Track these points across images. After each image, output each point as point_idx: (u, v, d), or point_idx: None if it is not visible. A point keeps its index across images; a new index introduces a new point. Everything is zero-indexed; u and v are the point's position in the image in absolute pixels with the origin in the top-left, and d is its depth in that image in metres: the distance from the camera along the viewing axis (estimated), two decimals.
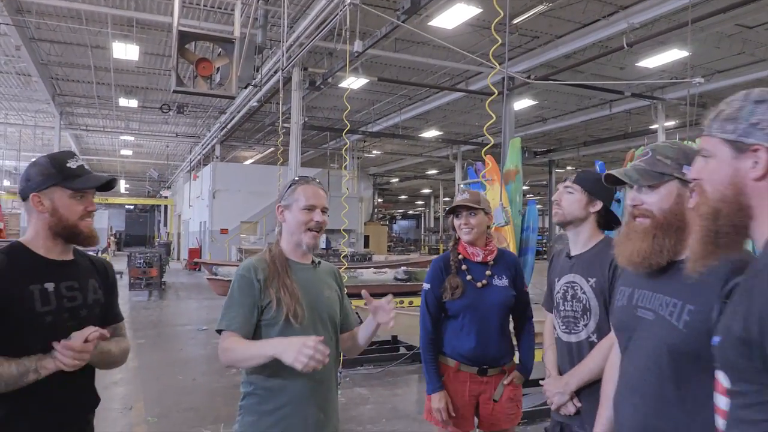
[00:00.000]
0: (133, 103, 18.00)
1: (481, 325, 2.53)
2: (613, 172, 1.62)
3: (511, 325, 2.78)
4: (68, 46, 13.39)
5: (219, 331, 1.94)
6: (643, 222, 1.54)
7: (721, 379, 1.08)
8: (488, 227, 2.67)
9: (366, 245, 25.88)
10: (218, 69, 7.55)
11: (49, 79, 15.98)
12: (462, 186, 7.10)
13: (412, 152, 27.12)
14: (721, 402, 1.09)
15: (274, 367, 1.90)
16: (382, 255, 20.78)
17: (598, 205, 2.22)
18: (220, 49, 7.47)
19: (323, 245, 18.30)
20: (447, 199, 37.73)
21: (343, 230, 7.98)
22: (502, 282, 2.58)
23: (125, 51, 12.64)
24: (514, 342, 2.76)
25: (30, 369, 1.61)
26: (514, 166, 7.58)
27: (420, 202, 49.25)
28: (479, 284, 2.55)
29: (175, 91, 7.39)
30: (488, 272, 2.58)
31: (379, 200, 37.91)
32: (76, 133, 23.45)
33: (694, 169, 1.21)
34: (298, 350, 1.68)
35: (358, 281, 8.01)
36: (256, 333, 1.95)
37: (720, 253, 1.13)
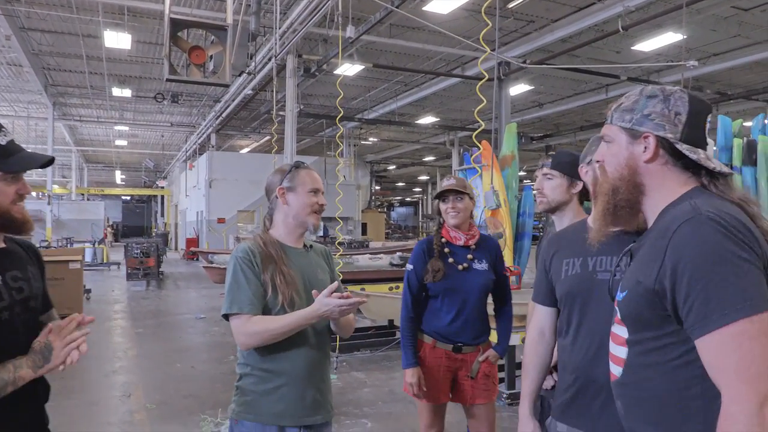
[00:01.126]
0: (127, 92, 17.90)
1: (460, 306, 2.67)
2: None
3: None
4: (59, 35, 13.27)
5: (225, 317, 1.93)
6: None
7: (619, 332, 1.30)
8: (472, 213, 2.78)
9: (364, 233, 25.91)
10: (211, 57, 7.51)
11: (41, 69, 15.85)
12: (457, 171, 7.11)
13: (409, 139, 27.06)
14: (620, 351, 1.29)
15: (272, 349, 1.93)
16: (380, 242, 20.81)
17: (580, 185, 2.24)
18: (212, 37, 7.40)
19: (321, 233, 18.31)
20: None
21: (339, 217, 7.99)
22: (482, 266, 2.71)
23: (117, 40, 12.55)
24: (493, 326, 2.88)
25: (8, 382, 1.45)
26: (510, 152, 7.57)
27: (417, 189, 49.24)
28: (460, 267, 2.68)
29: (168, 80, 7.35)
30: (470, 256, 2.71)
31: (377, 187, 37.87)
32: (69, 124, 23.34)
33: (598, 152, 1.40)
34: (323, 311, 1.85)
35: (354, 267, 8.03)
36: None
37: (617, 223, 1.36)
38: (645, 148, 1.28)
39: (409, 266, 2.76)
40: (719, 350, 1.07)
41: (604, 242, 1.62)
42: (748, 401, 1.03)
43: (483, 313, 2.74)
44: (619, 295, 1.29)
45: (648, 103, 1.30)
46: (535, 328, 1.90)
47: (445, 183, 2.71)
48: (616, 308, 1.31)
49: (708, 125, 1.32)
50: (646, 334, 1.22)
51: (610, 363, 1.35)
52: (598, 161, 1.39)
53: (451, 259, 2.68)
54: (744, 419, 1.02)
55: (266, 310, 1.94)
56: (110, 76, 16.55)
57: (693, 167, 1.28)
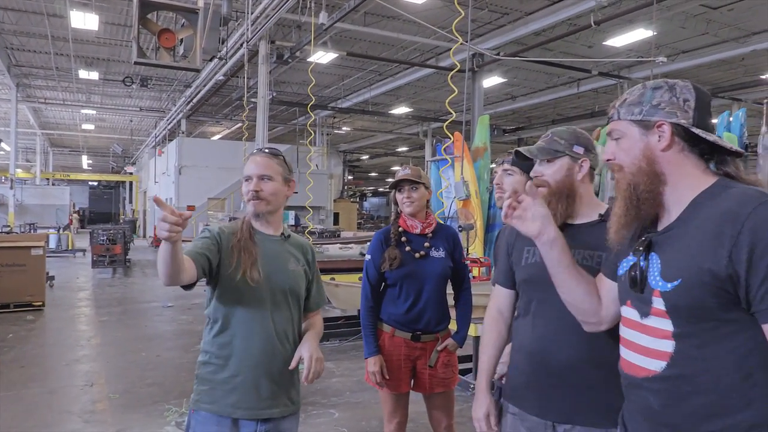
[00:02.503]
0: (94, 75, 17.43)
1: (417, 293, 2.69)
2: (520, 149, 1.88)
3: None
4: (23, 13, 12.83)
5: None
6: (540, 191, 1.76)
7: (657, 324, 1.26)
8: (428, 201, 2.81)
9: (336, 222, 25.80)
10: (182, 40, 7.35)
11: (4, 48, 15.33)
12: (429, 162, 7.11)
13: (382, 129, 27.00)
14: (662, 345, 1.26)
15: (228, 338, 1.91)
16: (352, 232, 20.76)
17: None
18: (183, 20, 7.26)
19: (292, 221, 18.18)
20: None
21: (310, 206, 7.94)
22: (439, 254, 2.74)
23: (84, 20, 12.20)
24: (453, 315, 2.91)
25: None
26: (483, 144, 7.63)
27: (390, 179, 49.25)
28: (417, 255, 2.72)
29: (136, 63, 7.17)
30: (426, 244, 2.74)
31: (350, 177, 37.74)
32: (34, 106, 22.62)
33: (607, 150, 1.39)
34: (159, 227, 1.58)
35: (324, 257, 7.99)
36: (218, 286, 1.95)
37: (641, 218, 1.33)
38: (659, 137, 1.29)
39: (367, 256, 2.81)
40: None
41: (564, 233, 1.65)
42: None
43: (441, 301, 2.76)
44: (665, 285, 1.24)
45: (655, 94, 1.31)
46: (494, 308, 1.97)
47: (401, 173, 2.75)
48: (655, 299, 1.26)
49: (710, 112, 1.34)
50: (703, 325, 1.20)
51: (640, 357, 1.30)
52: (608, 160, 1.39)
53: (408, 248, 2.71)
54: None
55: (229, 279, 1.92)
56: (77, 58, 16.09)
57: (708, 153, 1.30)
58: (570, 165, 1.79)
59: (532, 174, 1.87)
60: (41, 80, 18.90)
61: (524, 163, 2.18)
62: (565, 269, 1.51)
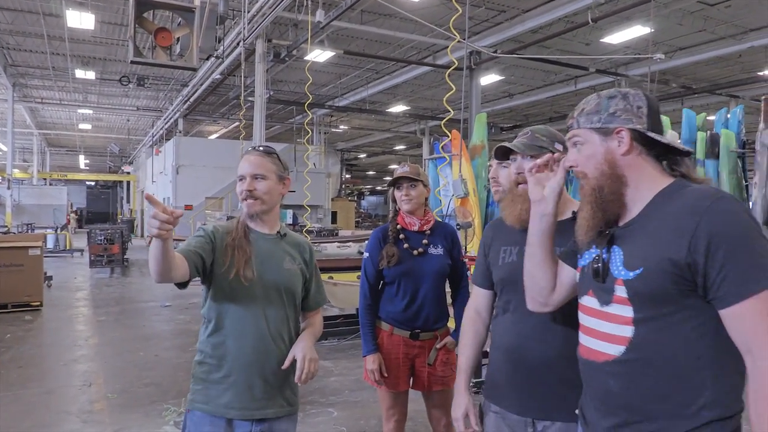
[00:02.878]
0: (91, 74, 17.38)
1: (415, 291, 2.68)
2: (505, 144, 1.90)
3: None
4: (19, 13, 12.78)
5: None
6: (524, 187, 1.80)
7: (617, 311, 1.35)
8: (426, 199, 2.81)
9: (333, 221, 25.79)
10: (178, 39, 7.33)
11: (0, 48, 15.27)
12: (427, 160, 7.10)
13: (379, 127, 26.97)
14: (622, 330, 1.34)
15: (222, 337, 1.91)
16: (350, 231, 20.76)
17: None
18: (180, 19, 7.23)
19: (290, 220, 18.17)
20: None
21: (308, 205, 7.92)
22: (437, 251, 2.73)
23: (80, 19, 12.17)
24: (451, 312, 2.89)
25: None
26: (480, 141, 7.61)
27: (388, 178, 48.97)
28: (416, 252, 2.70)
29: (132, 62, 7.16)
30: (425, 241, 2.73)
31: (347, 176, 37.70)
32: (30, 106, 22.57)
33: (569, 158, 1.48)
34: (149, 224, 1.60)
35: (322, 255, 7.98)
36: (213, 286, 1.95)
37: (607, 219, 1.40)
38: (619, 142, 1.38)
39: (366, 254, 2.79)
40: (754, 315, 1.18)
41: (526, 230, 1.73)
42: None
43: (440, 298, 2.75)
44: (627, 274, 1.33)
45: (611, 103, 1.41)
46: (471, 308, 2.02)
47: (399, 170, 2.75)
48: (617, 287, 1.34)
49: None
50: (662, 310, 1.28)
51: (600, 343, 1.38)
52: (571, 167, 1.47)
53: (406, 245, 2.70)
54: None
55: (222, 277, 1.92)
56: (73, 57, 16.04)
57: (662, 155, 1.41)
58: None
59: (516, 170, 1.89)
60: (38, 80, 18.85)
61: (503, 160, 2.18)
62: (541, 243, 1.59)
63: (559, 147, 1.84)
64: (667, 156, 1.42)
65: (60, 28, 13.33)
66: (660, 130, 1.40)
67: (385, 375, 2.68)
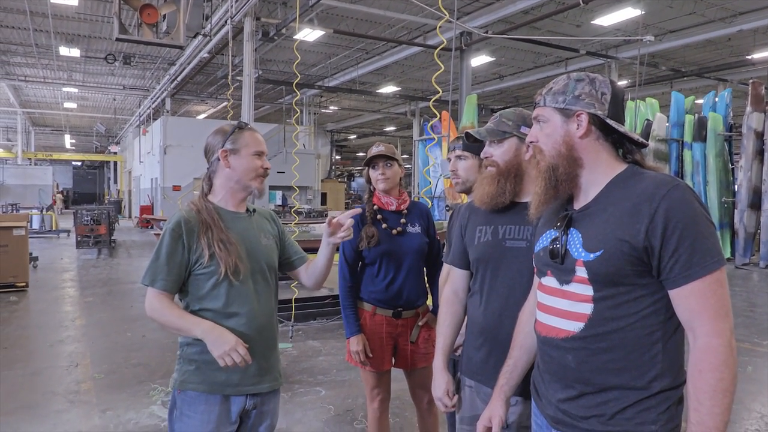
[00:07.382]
0: (75, 52, 17.04)
1: (396, 270, 2.70)
2: (470, 131, 1.96)
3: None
4: None
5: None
6: (490, 170, 1.91)
7: (577, 290, 1.41)
8: (401, 179, 2.82)
9: (323, 202, 25.74)
10: (164, 16, 7.20)
11: None
12: (417, 141, 7.07)
13: (369, 108, 26.82)
14: (581, 308, 1.41)
15: (215, 315, 1.90)
16: (339, 211, 20.74)
17: None
18: None
19: (279, 202, 18.10)
20: (405, 156, 37.71)
21: (297, 186, 7.87)
22: (415, 229, 2.76)
23: None
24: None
25: None
26: (470, 123, 7.62)
27: None
28: (394, 231, 2.72)
29: (117, 39, 7.04)
30: (402, 220, 2.75)
31: (337, 157, 37.53)
32: (14, 84, 22.16)
33: (531, 133, 1.52)
34: (226, 352, 1.78)
35: (310, 236, 7.96)
36: (188, 282, 1.92)
37: (558, 197, 1.48)
38: (578, 125, 1.43)
39: None
40: (702, 294, 1.28)
41: (511, 213, 1.87)
42: (725, 334, 1.27)
43: (419, 276, 2.79)
44: (587, 256, 1.38)
45: (577, 86, 1.45)
46: (449, 289, 2.06)
47: (374, 150, 2.74)
48: (578, 268, 1.40)
49: (626, 106, 1.52)
50: (620, 289, 1.36)
51: (560, 320, 1.45)
52: (531, 142, 1.51)
53: (384, 225, 2.71)
54: (723, 349, 1.26)
55: (206, 276, 1.89)
56: (57, 34, 15.72)
57: (619, 143, 1.47)
58: (518, 145, 1.89)
59: (482, 155, 1.96)
60: (20, 57, 18.48)
61: (475, 145, 2.19)
62: None
63: (526, 130, 1.85)
64: (623, 144, 1.47)
65: (43, 4, 13.05)
66: (621, 119, 1.46)
67: (370, 356, 2.69)
